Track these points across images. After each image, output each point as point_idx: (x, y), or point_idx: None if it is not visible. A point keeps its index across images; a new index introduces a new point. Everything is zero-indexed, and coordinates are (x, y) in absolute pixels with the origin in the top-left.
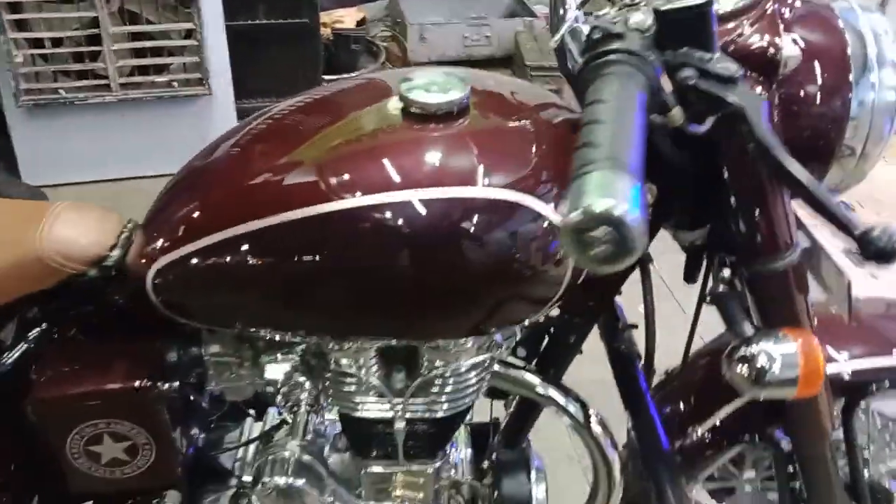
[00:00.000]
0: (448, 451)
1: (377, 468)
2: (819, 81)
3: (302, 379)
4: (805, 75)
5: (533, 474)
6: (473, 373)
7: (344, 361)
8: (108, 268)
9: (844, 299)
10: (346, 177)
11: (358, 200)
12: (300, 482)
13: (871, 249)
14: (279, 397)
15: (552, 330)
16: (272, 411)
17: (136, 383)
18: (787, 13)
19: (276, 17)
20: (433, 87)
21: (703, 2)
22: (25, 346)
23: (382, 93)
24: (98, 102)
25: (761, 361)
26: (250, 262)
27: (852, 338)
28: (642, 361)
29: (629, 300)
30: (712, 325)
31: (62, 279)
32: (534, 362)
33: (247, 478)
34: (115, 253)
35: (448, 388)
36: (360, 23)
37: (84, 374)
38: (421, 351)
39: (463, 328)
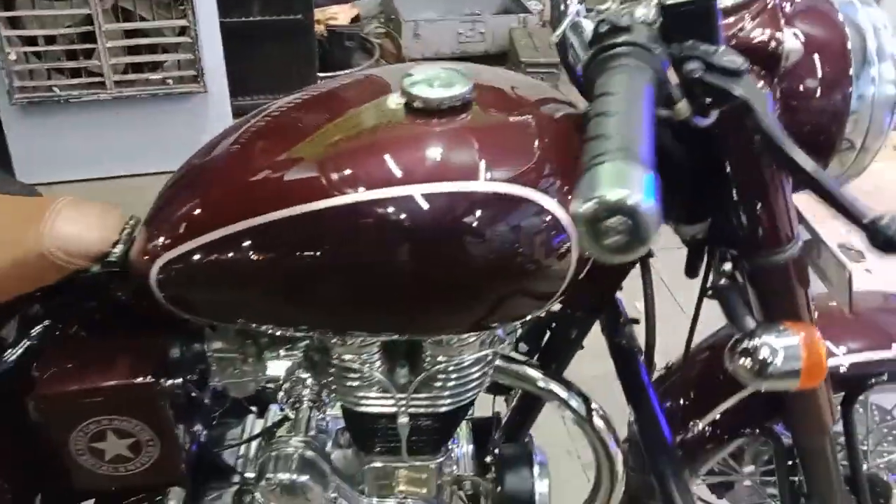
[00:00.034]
0: (450, 447)
1: (380, 463)
2: (819, 75)
3: (304, 375)
4: (805, 69)
5: (536, 469)
6: (476, 368)
7: (347, 357)
8: (111, 264)
9: (845, 291)
10: (350, 172)
11: (362, 195)
12: (304, 478)
13: (880, 238)
14: (281, 393)
15: (554, 325)
16: (274, 408)
17: (140, 379)
18: (787, 7)
19: (270, 13)
20: (436, 82)
21: None
22: (28, 342)
23: (384, 88)
24: (92, 100)
25: (764, 354)
26: (255, 257)
27: (851, 331)
28: (643, 356)
29: (627, 296)
30: (711, 320)
31: (65, 275)
32: (535, 357)
33: (249, 474)
34: (118, 249)
35: (451, 383)
36: (355, 19)
37: (87, 370)
38: (424, 346)
39: (467, 323)
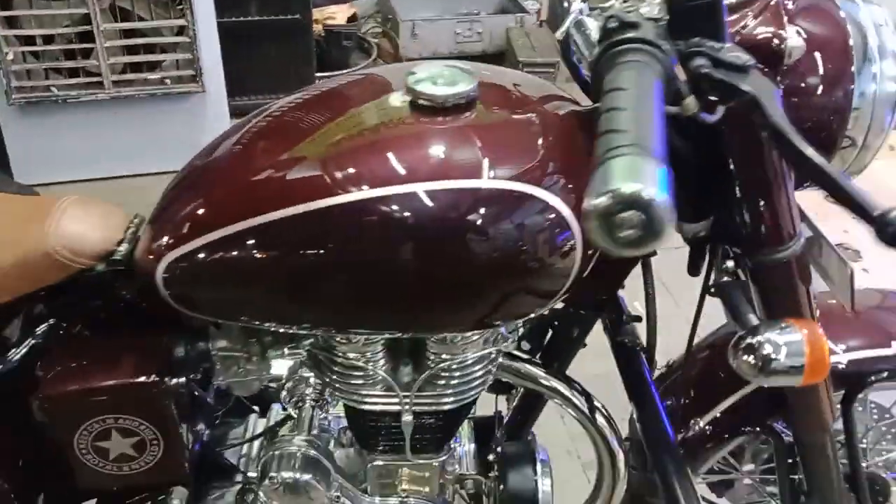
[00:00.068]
0: (453, 446)
1: (382, 462)
2: (821, 73)
3: (307, 374)
4: (808, 66)
5: (539, 467)
6: (480, 366)
7: (351, 355)
8: (115, 262)
9: (847, 289)
10: (357, 170)
11: (367, 193)
12: (307, 477)
13: (890, 232)
14: (284, 393)
15: (556, 323)
16: (276, 407)
17: (145, 378)
18: (789, 5)
19: (267, 13)
20: (440, 80)
21: None
22: (32, 341)
23: (386, 87)
24: (90, 100)
25: (767, 350)
26: (261, 255)
27: (850, 329)
28: (645, 354)
29: (626, 295)
30: (710, 318)
31: (70, 274)
32: (538, 356)
33: (252, 473)
34: (123, 248)
35: (454, 381)
36: (352, 19)
37: (92, 369)
38: (428, 344)
39: (471, 321)
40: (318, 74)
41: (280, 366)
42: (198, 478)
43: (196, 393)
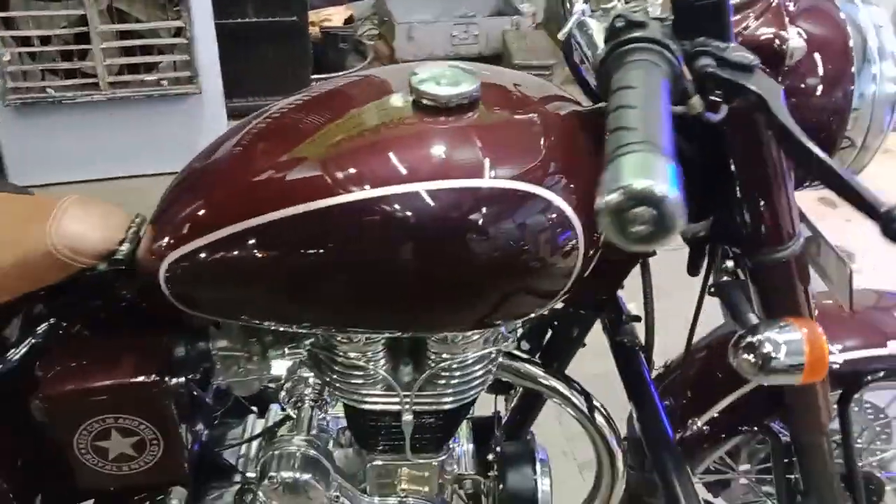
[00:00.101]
0: (451, 446)
1: (382, 462)
2: (822, 73)
3: (306, 374)
4: (808, 67)
5: (538, 467)
6: (480, 365)
7: (352, 354)
8: (117, 262)
9: (846, 289)
10: (360, 169)
11: (371, 192)
12: (306, 476)
13: (895, 229)
14: (283, 393)
15: (555, 323)
16: (274, 408)
17: (145, 378)
18: (790, 6)
19: (264, 15)
20: (442, 80)
21: None
22: (33, 341)
23: (388, 87)
24: (87, 101)
25: (767, 349)
26: (264, 255)
27: (846, 329)
28: (644, 353)
29: (622, 295)
30: (708, 318)
31: (70, 274)
32: (537, 355)
33: (251, 474)
34: (125, 247)
35: (455, 381)
36: (348, 21)
37: (93, 368)
38: (428, 344)
39: (472, 320)
40: (315, 76)
41: (280, 366)
42: (197, 478)
43: (196, 393)
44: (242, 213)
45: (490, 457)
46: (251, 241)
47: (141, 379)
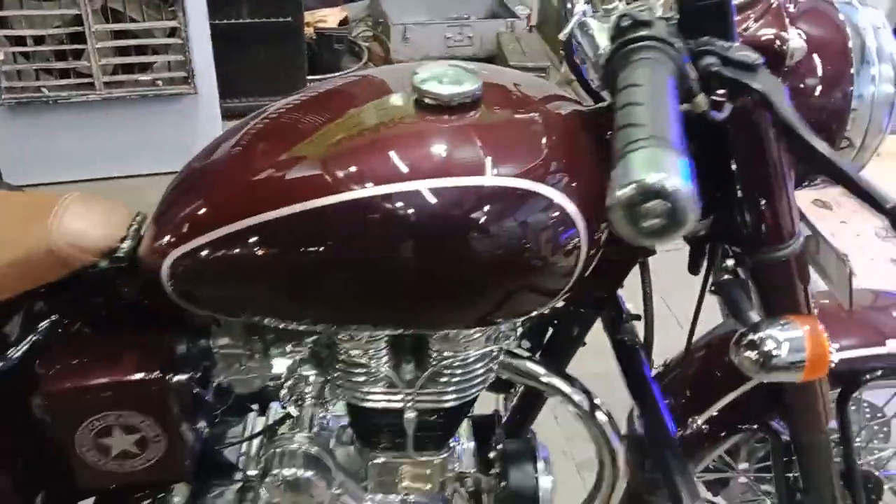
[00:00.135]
0: (452, 444)
1: (384, 460)
2: (821, 74)
3: (307, 372)
4: (807, 68)
5: (540, 465)
6: (481, 363)
7: (354, 352)
8: (119, 259)
9: (846, 288)
10: (363, 167)
11: (374, 190)
12: (309, 473)
13: None
14: (284, 391)
15: (556, 322)
16: (275, 406)
17: (147, 375)
18: (790, 8)
19: (259, 15)
20: (445, 79)
21: None
22: (34, 338)
23: (390, 86)
24: (82, 101)
25: (769, 346)
26: (269, 252)
27: (844, 328)
28: (645, 352)
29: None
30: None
31: (72, 271)
32: (538, 354)
33: (252, 472)
34: (126, 245)
35: (456, 379)
36: (343, 22)
37: (95, 365)
38: (430, 342)
39: (475, 317)
40: (310, 77)
41: (281, 364)
42: (198, 476)
43: (197, 391)
44: (246, 210)
45: (491, 455)
46: (255, 239)
47: (143, 376)
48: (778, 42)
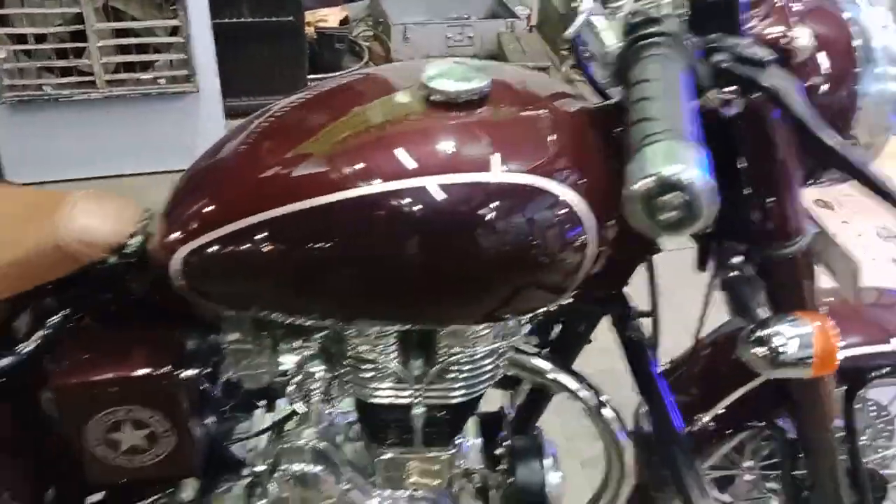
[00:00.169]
0: (459, 440)
1: (391, 455)
2: (826, 73)
3: (314, 369)
4: (812, 67)
5: (548, 461)
6: (489, 360)
7: (363, 348)
8: (128, 255)
9: (852, 284)
10: (371, 163)
11: (382, 186)
12: (317, 469)
13: None
14: (292, 387)
15: (563, 318)
16: (282, 402)
17: (157, 370)
18: (794, 7)
19: (260, 14)
20: (454, 77)
21: None
22: (43, 334)
23: (398, 83)
24: (83, 99)
25: (777, 342)
26: (278, 248)
27: (848, 326)
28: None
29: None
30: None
31: (81, 267)
32: (544, 351)
33: (260, 467)
34: (135, 240)
35: (464, 375)
36: (344, 22)
37: (104, 361)
38: (438, 337)
39: (482, 313)
40: (310, 77)
41: (289, 360)
42: (206, 471)
43: (207, 386)
44: (256, 206)
45: (499, 451)
46: (264, 235)
47: (153, 371)
48: (783, 40)
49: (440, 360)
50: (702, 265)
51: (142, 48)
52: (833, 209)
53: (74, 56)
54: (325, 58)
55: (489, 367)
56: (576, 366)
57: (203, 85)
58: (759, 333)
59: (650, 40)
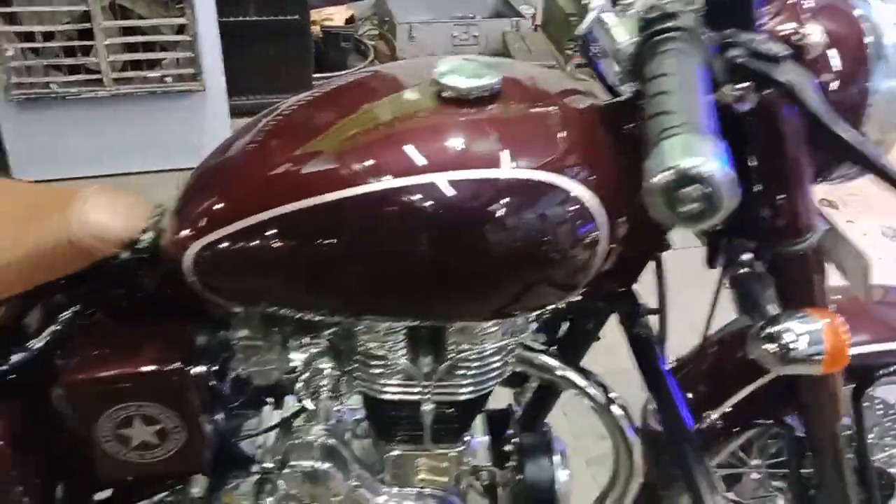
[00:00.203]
0: (467, 437)
1: (400, 452)
2: (838, 70)
3: (325, 365)
4: (824, 64)
5: (556, 458)
6: (498, 357)
7: (372, 344)
8: (140, 250)
9: (863, 281)
10: (382, 160)
11: (393, 182)
12: (326, 465)
13: None
14: (301, 384)
15: (571, 316)
16: (290, 399)
17: (168, 366)
18: (805, 4)
19: (266, 13)
20: (465, 73)
21: None
22: (55, 329)
23: (408, 80)
24: (90, 97)
25: (788, 338)
26: (289, 244)
27: (856, 323)
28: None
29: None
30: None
31: (93, 262)
32: (553, 348)
33: (269, 464)
34: (147, 236)
35: (473, 371)
36: (349, 21)
37: (117, 356)
38: (447, 334)
39: (491, 309)
40: (316, 75)
41: (299, 356)
42: (215, 467)
43: (217, 382)
44: (267, 202)
45: (507, 448)
46: (276, 231)
47: (164, 367)
48: (795, 37)
49: (449, 356)
50: (711, 262)
51: (148, 46)
52: (838, 208)
53: (82, 54)
54: (330, 57)
55: (498, 364)
56: (583, 363)
57: (209, 83)
58: (770, 330)
59: (666, 35)
